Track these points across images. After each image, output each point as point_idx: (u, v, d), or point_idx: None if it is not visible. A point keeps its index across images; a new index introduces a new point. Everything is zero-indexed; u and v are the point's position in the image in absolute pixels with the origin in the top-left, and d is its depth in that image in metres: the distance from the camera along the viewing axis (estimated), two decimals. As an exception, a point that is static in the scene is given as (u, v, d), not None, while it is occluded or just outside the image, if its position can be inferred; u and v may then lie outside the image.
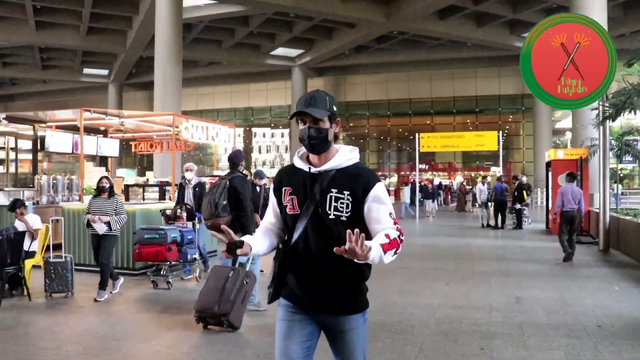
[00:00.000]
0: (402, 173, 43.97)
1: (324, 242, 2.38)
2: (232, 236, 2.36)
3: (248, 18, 31.06)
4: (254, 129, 48.49)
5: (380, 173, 43.68)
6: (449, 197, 35.09)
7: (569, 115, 30.38)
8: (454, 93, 40.80)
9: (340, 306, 2.46)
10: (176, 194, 9.59)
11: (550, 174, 16.35)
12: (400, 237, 2.33)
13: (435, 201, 24.84)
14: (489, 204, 18.21)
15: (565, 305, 6.71)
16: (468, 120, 41.86)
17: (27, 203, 8.22)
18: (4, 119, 9.74)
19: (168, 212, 8.79)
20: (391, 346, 5.06)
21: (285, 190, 2.52)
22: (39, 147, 11.38)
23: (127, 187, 12.77)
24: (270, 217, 2.63)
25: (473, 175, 42.28)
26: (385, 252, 2.23)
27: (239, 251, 2.38)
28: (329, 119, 2.45)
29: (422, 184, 25.93)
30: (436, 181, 33.61)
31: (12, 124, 10.61)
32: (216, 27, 32.08)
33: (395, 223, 2.36)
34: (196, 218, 8.62)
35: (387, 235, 2.29)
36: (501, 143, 21.02)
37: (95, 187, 7.70)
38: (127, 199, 11.86)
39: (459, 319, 6.00)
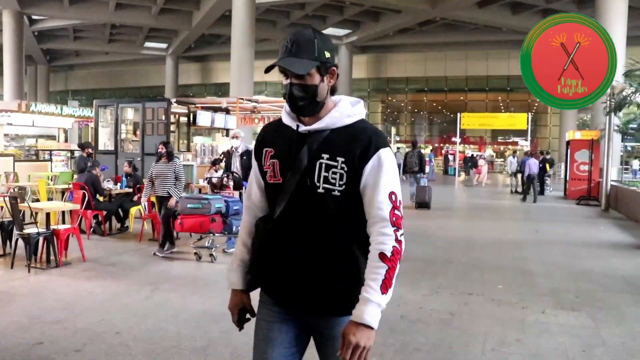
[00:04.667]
0: (435, 145, 47.34)
1: (310, 222, 1.78)
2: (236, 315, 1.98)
3: (305, 3, 34.66)
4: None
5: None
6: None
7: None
8: (487, 72, 43.50)
9: (329, 305, 1.81)
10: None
11: (569, 151, 19.95)
12: (398, 240, 1.73)
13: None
14: (517, 174, 22.04)
15: (567, 233, 10.78)
16: (499, 98, 44.50)
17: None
18: (175, 102, 13.89)
19: (214, 180, 8.33)
20: (462, 251, 9.08)
21: (266, 151, 1.88)
22: (191, 122, 15.66)
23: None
24: (254, 189, 1.97)
25: (502, 149, 45.61)
26: (387, 291, 1.71)
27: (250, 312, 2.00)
28: (318, 71, 1.76)
29: (471, 155, 29.90)
30: (468, 153, 37.55)
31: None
32: (274, 10, 35.78)
33: (395, 208, 1.75)
34: (243, 187, 7.84)
35: (381, 256, 1.71)
36: (529, 123, 24.54)
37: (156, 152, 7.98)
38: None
39: (500, 238, 10.09)
